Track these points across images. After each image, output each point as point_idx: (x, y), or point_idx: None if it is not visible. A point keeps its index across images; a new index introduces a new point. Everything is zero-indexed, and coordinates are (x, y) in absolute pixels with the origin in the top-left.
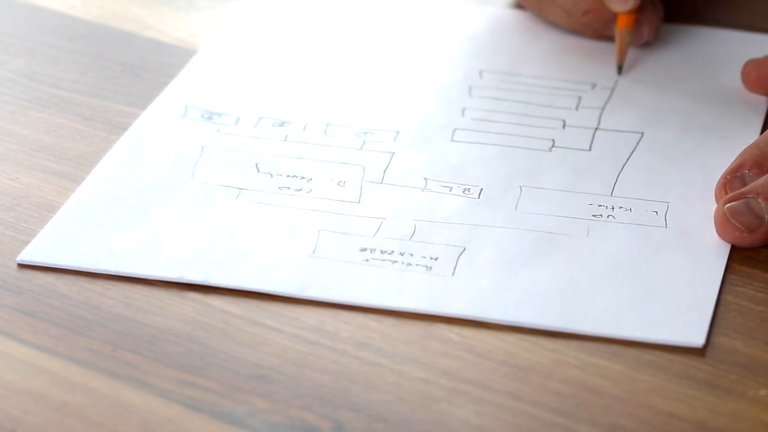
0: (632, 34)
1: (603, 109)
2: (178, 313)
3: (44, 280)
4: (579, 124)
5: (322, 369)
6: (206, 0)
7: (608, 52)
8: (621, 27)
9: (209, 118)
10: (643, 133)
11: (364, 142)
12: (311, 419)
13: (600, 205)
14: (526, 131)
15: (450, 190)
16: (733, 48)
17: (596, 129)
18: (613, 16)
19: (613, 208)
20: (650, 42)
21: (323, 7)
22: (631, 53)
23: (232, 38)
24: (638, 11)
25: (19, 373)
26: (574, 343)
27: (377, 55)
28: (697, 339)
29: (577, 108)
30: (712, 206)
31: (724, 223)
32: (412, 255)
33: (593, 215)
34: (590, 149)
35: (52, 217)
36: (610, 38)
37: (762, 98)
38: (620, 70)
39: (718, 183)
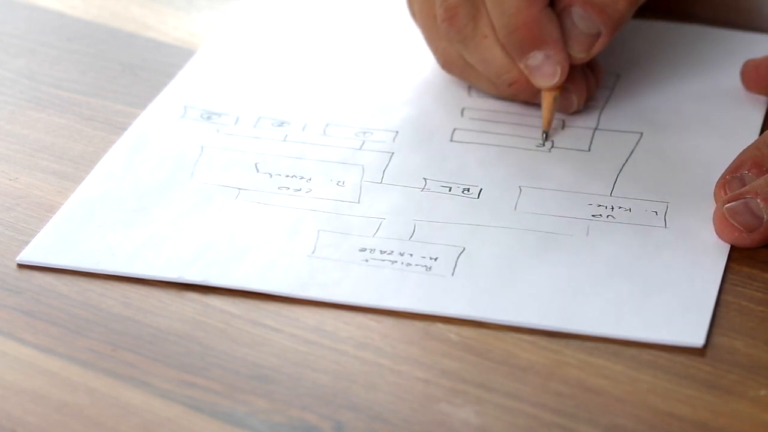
0: (559, 101)
1: (602, 109)
2: (178, 313)
3: (44, 280)
4: (578, 125)
5: (322, 369)
6: (206, 0)
7: (607, 52)
8: (546, 92)
9: (208, 118)
10: (642, 133)
11: (364, 142)
12: (311, 419)
13: (599, 205)
14: (525, 131)
15: (449, 190)
16: (733, 48)
17: (595, 129)
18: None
19: (612, 208)
20: (580, 110)
21: (323, 8)
22: (630, 51)
23: (231, 38)
24: (567, 80)
25: (19, 373)
26: (573, 343)
27: (376, 54)
28: (697, 339)
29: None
30: (711, 206)
31: (723, 224)
32: (411, 255)
33: (593, 215)
34: (590, 149)
35: (52, 217)
36: (539, 105)
37: (762, 98)
38: (546, 136)
39: (717, 183)
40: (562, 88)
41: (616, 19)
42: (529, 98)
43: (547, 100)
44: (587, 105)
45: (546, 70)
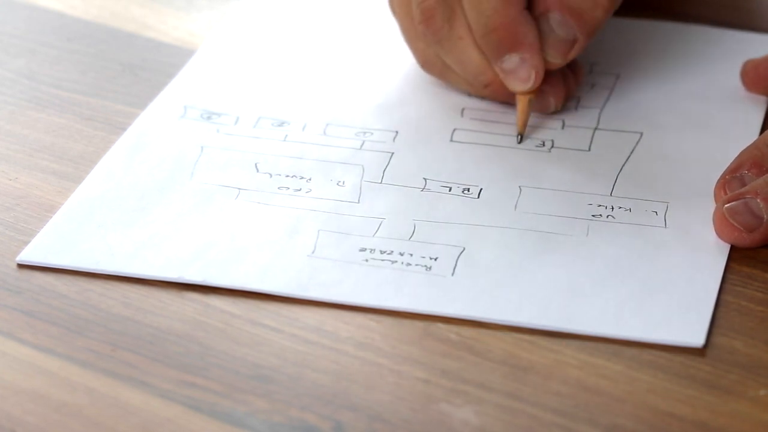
0: (535, 103)
1: (602, 109)
2: (178, 313)
3: (43, 280)
4: (578, 124)
5: (322, 369)
6: (206, 0)
7: (606, 52)
8: (521, 95)
9: (208, 118)
10: (642, 133)
11: (364, 142)
12: (311, 419)
13: (599, 205)
14: (526, 131)
15: (449, 190)
16: (733, 48)
17: (595, 129)
18: None
19: (612, 208)
20: (558, 111)
21: (323, 7)
22: (630, 51)
23: (231, 38)
24: (544, 81)
25: (19, 373)
26: (573, 343)
27: (376, 54)
28: (697, 339)
29: (576, 108)
30: (711, 206)
31: (722, 223)
32: (411, 255)
33: (593, 215)
34: (589, 149)
35: (51, 217)
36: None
37: (762, 98)
38: (520, 138)
39: (717, 183)
40: (539, 90)
41: (593, 26)
42: (505, 99)
43: (522, 102)
44: (586, 105)
45: (521, 74)
